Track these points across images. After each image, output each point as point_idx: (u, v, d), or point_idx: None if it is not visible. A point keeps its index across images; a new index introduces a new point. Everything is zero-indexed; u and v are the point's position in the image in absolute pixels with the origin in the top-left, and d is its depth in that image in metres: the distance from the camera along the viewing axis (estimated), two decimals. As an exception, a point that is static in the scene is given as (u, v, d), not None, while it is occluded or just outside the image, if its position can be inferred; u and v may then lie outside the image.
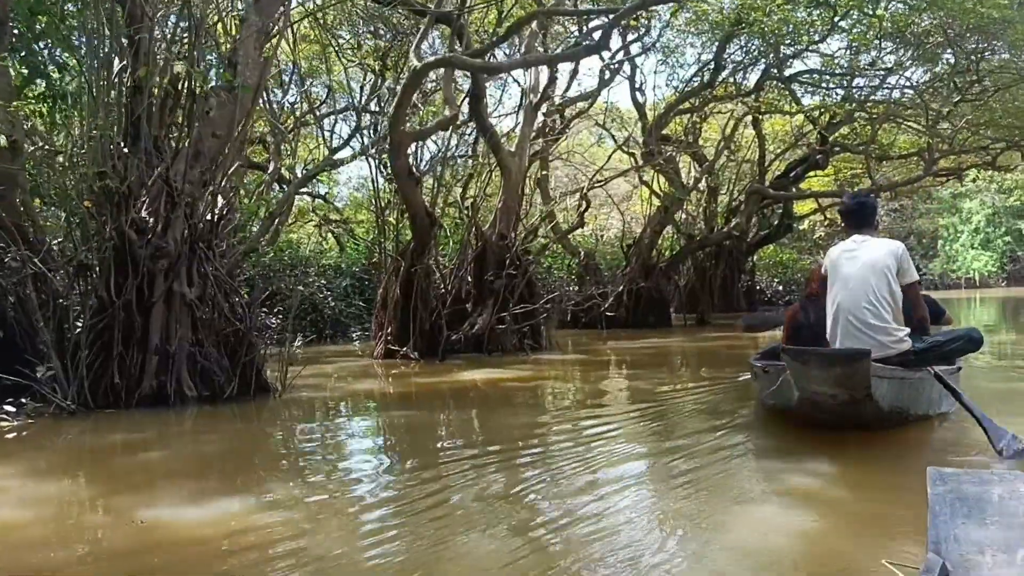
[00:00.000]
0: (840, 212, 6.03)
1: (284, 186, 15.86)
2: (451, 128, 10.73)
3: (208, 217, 7.15)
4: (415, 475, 4.08)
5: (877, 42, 15.15)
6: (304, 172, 16.05)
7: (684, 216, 21.41)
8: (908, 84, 15.90)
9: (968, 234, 40.27)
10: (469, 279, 11.39)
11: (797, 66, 18.19)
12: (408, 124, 10.83)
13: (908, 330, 4.78)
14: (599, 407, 6.43)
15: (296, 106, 17.72)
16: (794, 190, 20.94)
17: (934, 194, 37.58)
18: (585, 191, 15.86)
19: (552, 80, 12.90)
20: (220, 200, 7.54)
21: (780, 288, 24.98)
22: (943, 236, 41.03)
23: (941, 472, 2.29)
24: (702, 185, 22.67)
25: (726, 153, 23.33)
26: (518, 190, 11.47)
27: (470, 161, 13.79)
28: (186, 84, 6.93)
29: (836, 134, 20.28)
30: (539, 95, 11.42)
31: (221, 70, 7.25)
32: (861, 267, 4.81)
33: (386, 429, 5.95)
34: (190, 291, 6.72)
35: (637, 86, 17.76)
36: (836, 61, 17.25)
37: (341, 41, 17.32)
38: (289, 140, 16.87)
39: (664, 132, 20.05)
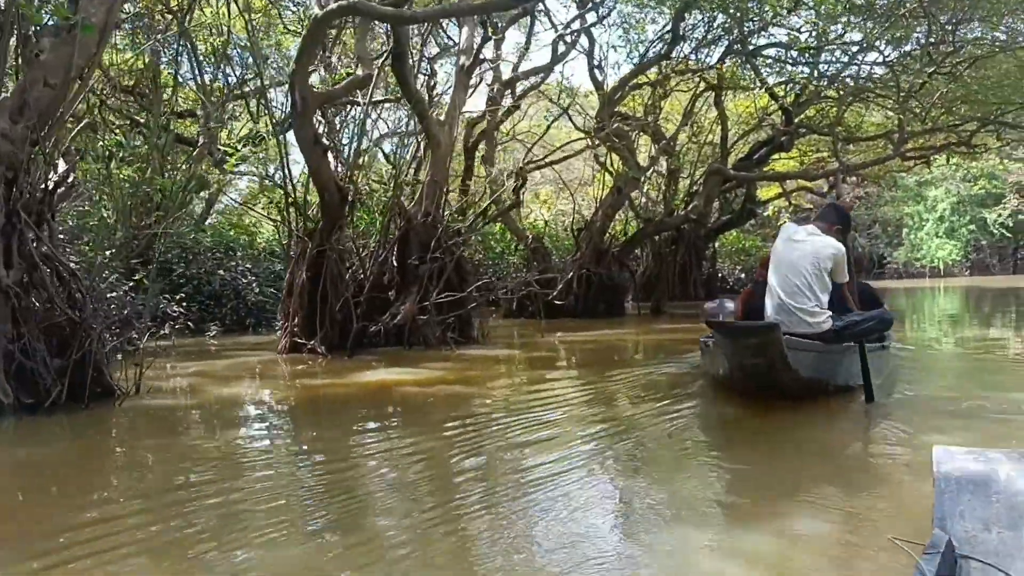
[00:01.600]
0: (827, 205, 6.61)
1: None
2: (369, 90, 9.44)
3: (42, 185, 5.88)
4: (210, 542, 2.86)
5: (845, 16, 14.14)
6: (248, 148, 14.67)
7: (644, 200, 20.36)
8: (879, 60, 14.90)
9: (933, 222, 39.74)
10: (395, 263, 10.20)
11: (763, 42, 17.20)
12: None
13: (829, 313, 5.39)
14: (507, 424, 5.25)
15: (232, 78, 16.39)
16: (757, 172, 19.90)
17: (900, 182, 36.94)
18: (522, 167, 14.59)
19: (488, 41, 11.65)
20: (61, 164, 6.26)
21: (743, 275, 24.03)
22: (908, 224, 40.49)
23: (948, 450, 2.29)
24: (662, 168, 21.69)
25: (687, 133, 22.39)
26: (446, 163, 10.24)
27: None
28: (10, 20, 5.63)
29: (802, 115, 19.33)
30: (472, 57, 10.16)
31: (56, 3, 5.91)
32: (800, 257, 5.44)
33: (209, 461, 4.18)
34: (7, 274, 5.45)
35: (597, 63, 16.63)
36: (802, 37, 16.25)
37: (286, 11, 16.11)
38: (218, 114, 15.51)
39: (623, 110, 19.06)
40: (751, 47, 16.17)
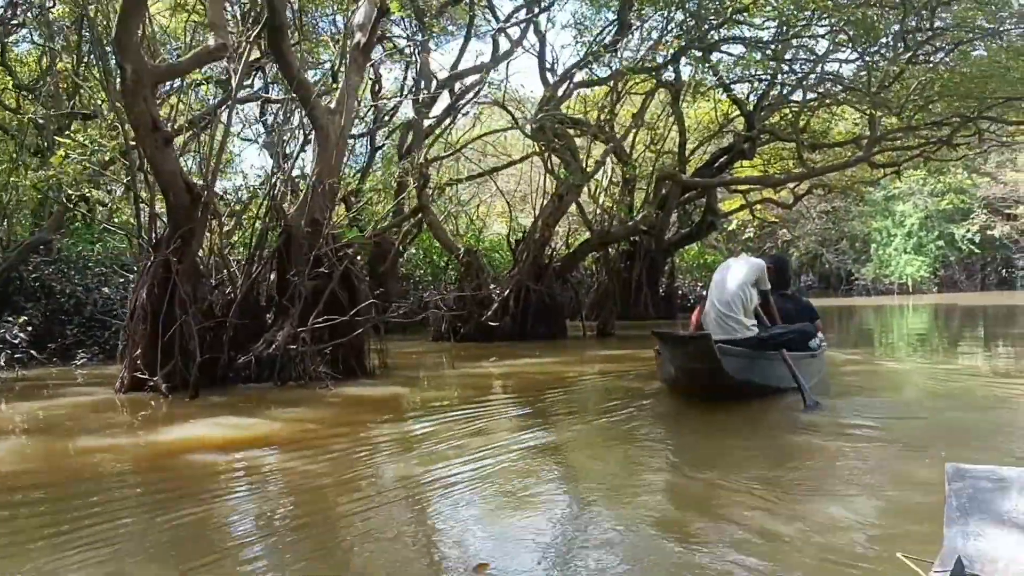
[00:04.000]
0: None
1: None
2: (239, 68, 7.70)
3: None
4: None
5: (810, 9, 12.76)
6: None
7: (598, 211, 18.79)
8: (848, 56, 13.47)
9: (901, 238, 38.64)
10: (273, 280, 8.46)
11: (725, 42, 15.78)
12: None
13: (755, 323, 6.60)
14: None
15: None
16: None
17: (867, 196, 35.85)
18: (422, 162, 12.74)
19: (385, 15, 9.97)
20: None
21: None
22: (876, 240, 39.35)
23: (959, 468, 2.28)
24: (616, 176, 20.16)
25: (644, 140, 20.91)
26: (337, 159, 8.52)
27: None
28: None
29: (766, 121, 17.95)
30: (368, 33, 8.46)
31: None
32: (731, 276, 6.65)
33: None
34: None
35: (549, 65, 15.06)
36: (765, 35, 14.86)
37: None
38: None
39: (575, 115, 17.54)
40: (711, 41, 14.70)
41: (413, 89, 14.37)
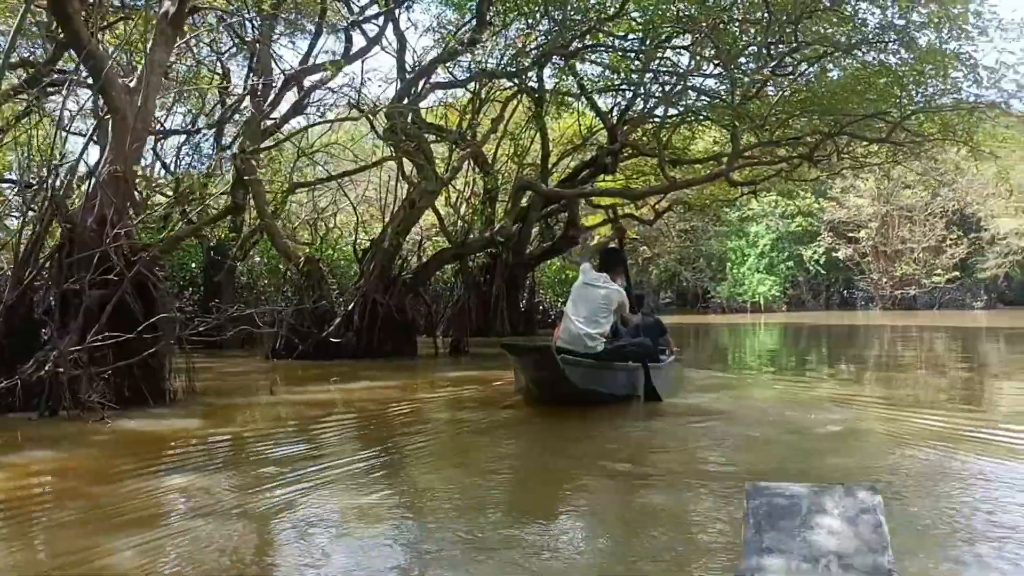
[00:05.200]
0: (601, 255, 8.20)
1: None
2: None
3: None
4: None
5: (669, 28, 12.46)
6: None
7: (459, 222, 17.93)
8: (711, 71, 13.23)
9: (754, 258, 40.00)
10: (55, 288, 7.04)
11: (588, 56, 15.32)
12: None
13: (604, 339, 7.10)
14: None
15: None
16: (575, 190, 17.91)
17: (724, 216, 36.81)
18: (237, 153, 11.45)
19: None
20: None
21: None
22: (731, 259, 40.57)
23: (757, 486, 2.37)
24: (478, 187, 19.42)
25: (507, 150, 20.28)
26: (134, 146, 7.22)
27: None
28: None
29: (629, 136, 17.67)
30: (178, 2, 7.24)
31: None
32: (593, 296, 7.19)
33: None
34: None
35: (409, 68, 14.00)
36: (628, 49, 14.48)
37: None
38: None
39: (432, 122, 16.65)
40: (575, 49, 14.15)
41: (252, 81, 13.02)
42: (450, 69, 15.70)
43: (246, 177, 11.38)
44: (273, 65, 15.43)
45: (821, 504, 2.27)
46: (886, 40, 9.97)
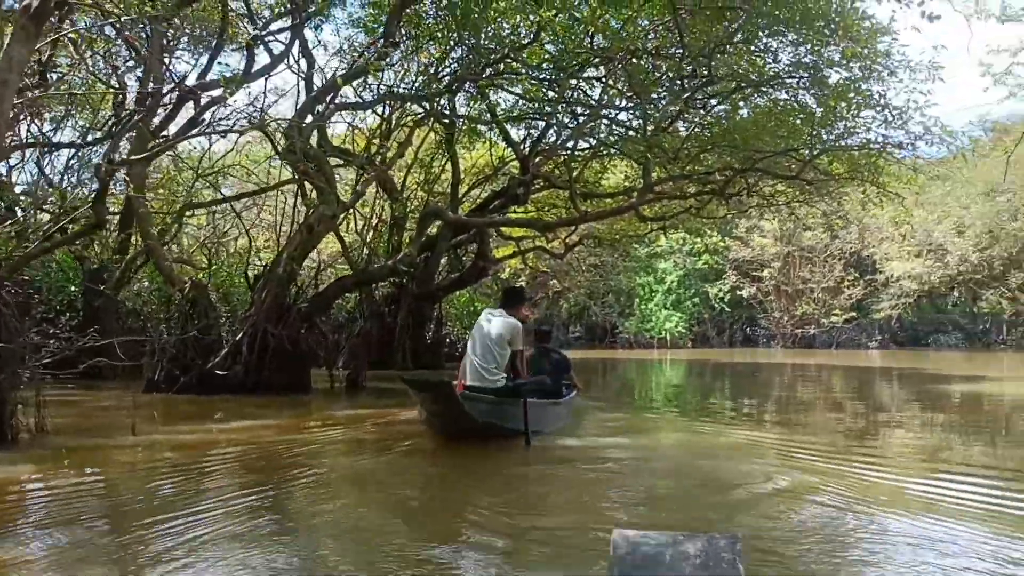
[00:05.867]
0: (503, 293, 8.37)
1: None
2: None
3: None
4: None
5: (586, 54, 12.22)
6: None
7: (364, 249, 17.24)
8: (624, 106, 13.04)
9: (662, 294, 40.46)
10: None
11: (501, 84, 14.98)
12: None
13: (504, 375, 7.34)
14: None
15: None
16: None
17: (633, 252, 37.14)
18: (103, 163, 10.60)
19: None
20: None
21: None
22: (639, 295, 40.93)
23: (624, 534, 2.42)
24: (387, 214, 18.82)
25: (417, 178, 19.79)
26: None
27: None
28: None
29: (541, 168, 17.41)
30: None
31: None
32: (490, 329, 7.38)
33: None
34: None
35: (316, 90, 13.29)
36: (542, 78, 14.21)
37: None
38: None
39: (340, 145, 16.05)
40: (487, 77, 13.78)
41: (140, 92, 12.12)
42: (359, 92, 15.15)
43: (131, 194, 10.50)
44: (169, 77, 14.63)
45: (684, 552, 2.33)
46: (798, 77, 9.97)
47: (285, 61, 13.26)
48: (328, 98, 12.85)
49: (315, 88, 12.77)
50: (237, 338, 11.34)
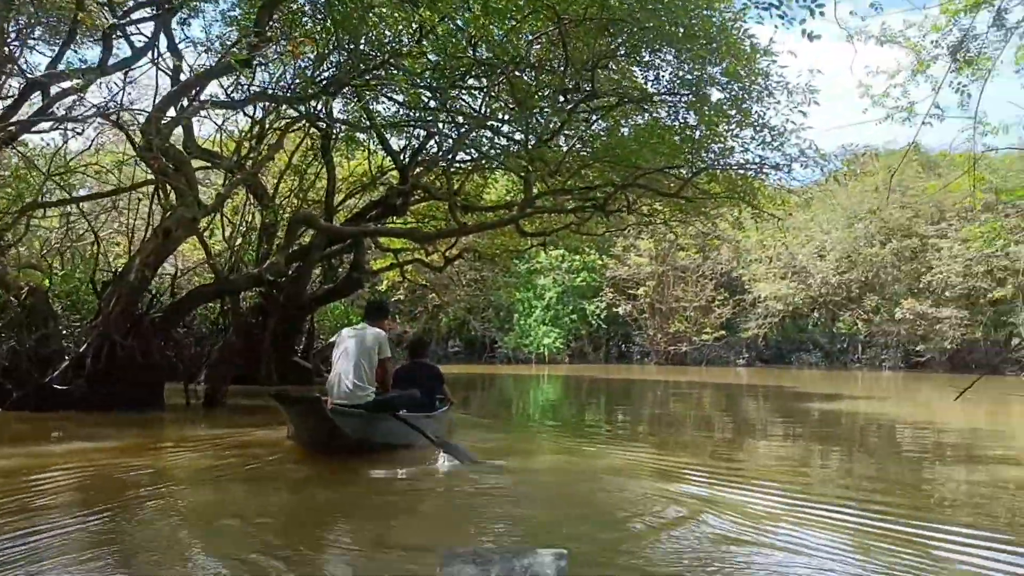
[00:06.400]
0: (366, 308, 8.70)
1: None
2: None
3: None
4: None
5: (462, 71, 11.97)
6: None
7: (232, 257, 16.28)
8: (506, 119, 12.82)
9: (541, 310, 40.69)
10: None
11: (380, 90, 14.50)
12: None
13: (373, 388, 7.35)
14: None
15: None
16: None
17: (513, 268, 37.18)
18: None
19: None
20: None
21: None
22: (518, 310, 41.02)
23: (452, 552, 2.46)
24: (255, 221, 17.91)
25: (291, 184, 18.98)
26: None
27: None
28: None
29: (422, 179, 16.99)
30: None
31: None
32: (357, 344, 7.38)
33: None
34: None
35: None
36: (423, 86, 13.84)
37: None
38: None
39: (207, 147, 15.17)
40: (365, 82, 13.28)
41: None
42: (230, 92, 14.32)
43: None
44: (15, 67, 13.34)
45: (511, 568, 2.33)
46: (679, 94, 10.02)
47: (149, 55, 12.40)
48: (193, 94, 12.05)
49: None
50: (81, 349, 10.34)
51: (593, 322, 41.97)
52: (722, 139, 10.49)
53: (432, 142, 16.39)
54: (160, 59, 12.57)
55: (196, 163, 13.76)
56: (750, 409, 16.09)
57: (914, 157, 33.92)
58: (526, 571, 2.32)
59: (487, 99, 12.77)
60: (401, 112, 15.37)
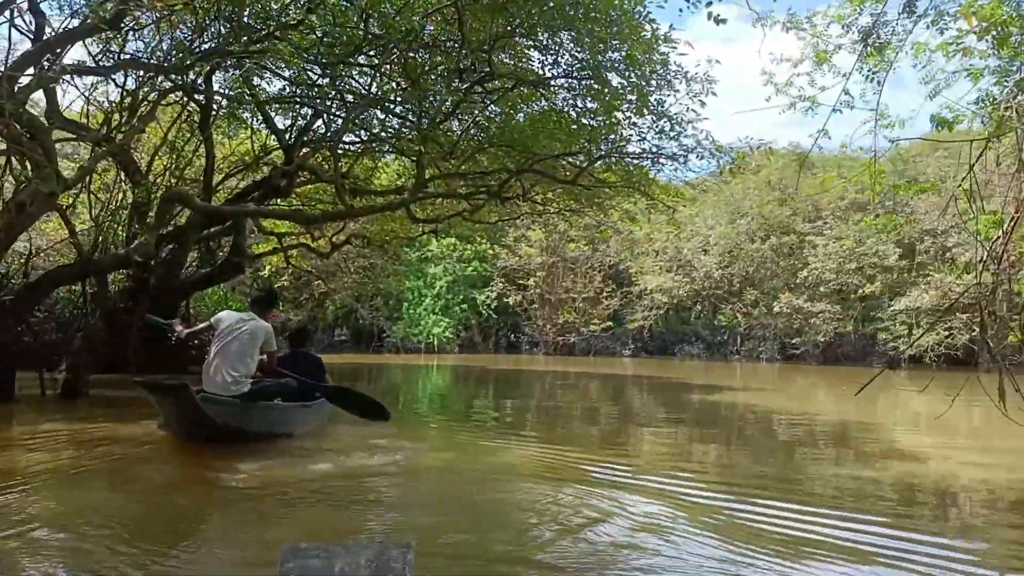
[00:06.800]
0: (253, 297, 8.48)
1: None
2: None
3: None
4: None
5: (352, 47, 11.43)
6: None
7: (98, 238, 15.12)
8: (398, 99, 12.34)
9: (431, 299, 40.22)
10: None
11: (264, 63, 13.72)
12: None
13: (250, 379, 7.26)
14: None
15: None
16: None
17: (403, 256, 36.54)
18: None
19: None
20: None
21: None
22: (408, 299, 40.40)
23: (293, 547, 2.33)
24: (127, 199, 16.71)
25: (166, 162, 17.84)
26: None
27: None
28: None
29: (308, 160, 16.25)
30: None
31: None
32: (240, 334, 7.23)
33: None
34: None
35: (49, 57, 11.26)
36: (311, 61, 13.19)
37: None
38: None
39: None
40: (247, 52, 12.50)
41: None
42: (99, 60, 13.24)
43: None
44: None
45: (355, 563, 2.29)
46: (577, 77, 9.82)
47: (5, 13, 11.26)
48: (58, 54, 11.02)
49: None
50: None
51: (483, 312, 41.83)
52: (620, 127, 10.38)
53: (320, 122, 15.73)
54: (20, 17, 11.50)
55: (60, 134, 12.71)
56: (636, 400, 16.29)
57: (793, 157, 35.33)
58: (371, 565, 2.25)
59: (378, 78, 12.25)
60: (287, 89, 14.67)
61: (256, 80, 14.61)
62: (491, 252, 41.12)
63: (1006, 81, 4.60)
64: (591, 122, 10.18)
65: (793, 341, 34.66)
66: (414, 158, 12.23)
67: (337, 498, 5.41)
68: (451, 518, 4.91)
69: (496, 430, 10.19)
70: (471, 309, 41.63)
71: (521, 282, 41.78)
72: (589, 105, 10.12)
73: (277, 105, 15.27)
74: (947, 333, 28.56)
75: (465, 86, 9.70)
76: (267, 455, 6.71)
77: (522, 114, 11.42)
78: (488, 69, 9.29)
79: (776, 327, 35.38)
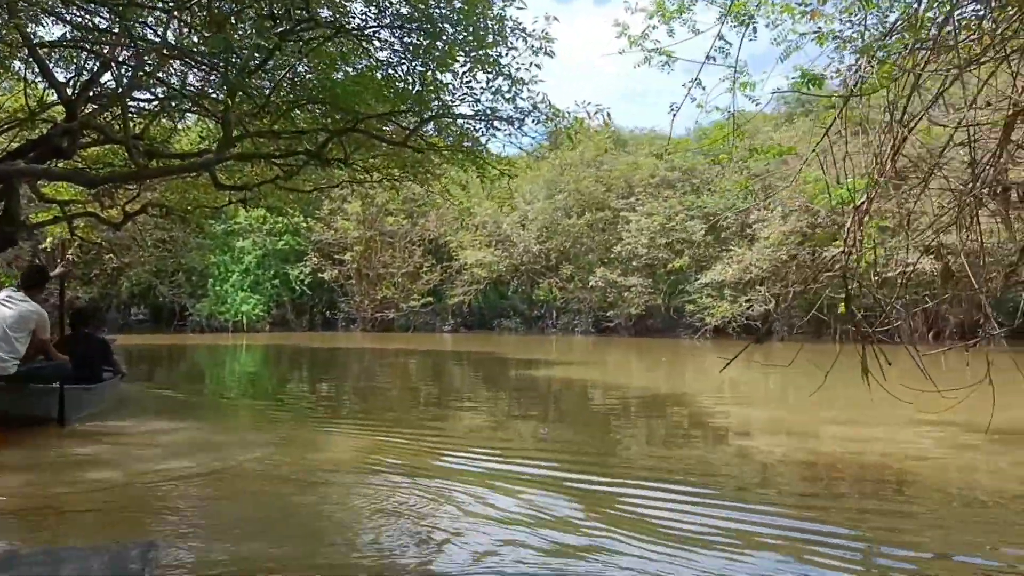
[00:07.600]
0: (22, 274, 8.61)
1: None
2: None
3: None
4: None
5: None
6: None
7: None
8: (203, 49, 11.03)
9: (239, 275, 37.86)
10: None
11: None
12: None
13: (17, 361, 6.91)
14: None
15: None
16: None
17: (208, 229, 34.09)
18: None
19: None
20: None
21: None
22: (214, 275, 37.81)
23: (14, 554, 2.19)
24: None
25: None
26: None
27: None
28: None
29: (96, 118, 14.40)
30: None
31: None
32: (8, 315, 6.98)
33: None
34: None
35: None
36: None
37: None
38: None
39: None
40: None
41: None
42: None
43: None
44: None
45: (89, 567, 2.14)
46: (406, 27, 9.09)
47: None
48: None
49: None
50: None
51: (297, 288, 39.98)
52: (451, 87, 9.78)
53: (108, 74, 13.95)
54: None
55: None
56: (457, 378, 16.02)
57: (607, 135, 36.28)
58: (107, 567, 2.10)
59: (178, 24, 10.91)
60: (70, 35, 12.88)
61: (32, 27, 12.71)
62: (305, 225, 39.38)
63: (851, 45, 4.48)
64: (419, 81, 9.50)
65: (607, 314, 35.75)
66: (219, 119, 11.02)
67: (121, 508, 4.55)
68: (271, 529, 4.22)
69: (315, 417, 9.58)
70: (284, 285, 39.66)
71: (337, 257, 40.30)
72: (417, 65, 9.41)
73: (56, 53, 13.38)
74: (748, 305, 30.48)
75: (279, 30, 8.71)
76: (38, 456, 5.71)
77: (342, 73, 10.54)
78: (306, 13, 8.37)
79: (591, 301, 36.34)
